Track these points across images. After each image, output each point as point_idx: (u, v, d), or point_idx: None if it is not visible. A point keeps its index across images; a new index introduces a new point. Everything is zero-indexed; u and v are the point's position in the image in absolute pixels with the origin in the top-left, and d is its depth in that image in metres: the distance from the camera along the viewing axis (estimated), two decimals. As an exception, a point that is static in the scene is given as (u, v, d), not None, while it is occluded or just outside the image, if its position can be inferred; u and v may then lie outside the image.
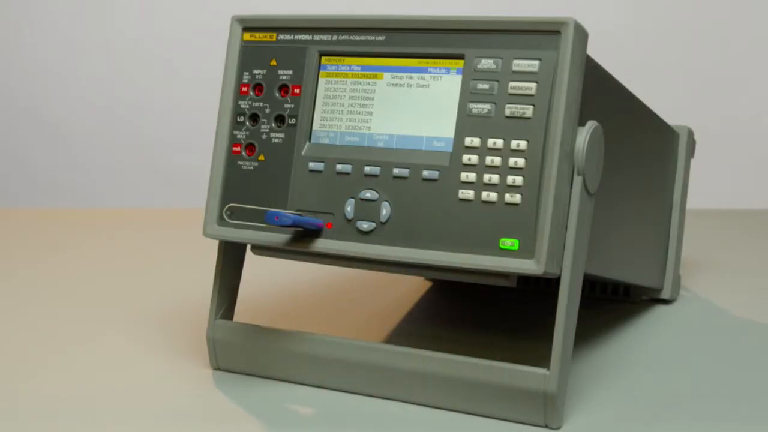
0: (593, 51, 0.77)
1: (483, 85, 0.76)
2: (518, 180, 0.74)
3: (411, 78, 0.79)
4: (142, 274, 1.28)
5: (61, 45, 2.51)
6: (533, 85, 0.74)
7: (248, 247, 0.86)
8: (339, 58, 0.81)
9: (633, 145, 0.93)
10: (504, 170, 0.74)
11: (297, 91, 0.82)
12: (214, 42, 1.73)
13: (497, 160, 0.75)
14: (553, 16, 0.74)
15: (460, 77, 0.77)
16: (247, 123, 0.83)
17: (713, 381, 0.87)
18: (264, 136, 0.82)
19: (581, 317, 0.78)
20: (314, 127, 0.81)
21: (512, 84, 0.75)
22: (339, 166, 0.79)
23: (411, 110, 0.78)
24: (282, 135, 0.82)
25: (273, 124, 0.82)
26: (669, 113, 1.12)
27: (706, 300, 1.14)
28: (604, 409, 0.80)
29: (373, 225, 0.78)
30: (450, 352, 0.79)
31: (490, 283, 0.76)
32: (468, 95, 0.76)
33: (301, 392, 0.83)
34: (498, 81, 0.75)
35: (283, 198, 0.81)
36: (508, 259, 0.74)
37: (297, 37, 0.82)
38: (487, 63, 0.76)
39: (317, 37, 0.82)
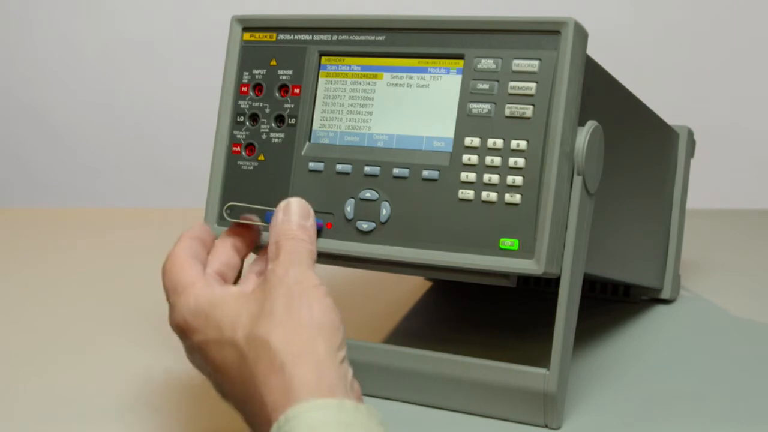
0: (593, 51, 0.77)
1: (483, 85, 0.76)
2: (518, 180, 0.74)
3: (411, 78, 0.79)
4: (142, 274, 1.28)
5: (61, 45, 2.51)
6: (533, 85, 0.74)
7: (248, 247, 0.86)
8: (339, 58, 0.81)
9: (633, 145, 0.93)
10: (504, 170, 0.74)
11: (297, 91, 0.82)
12: (214, 42, 1.73)
13: (497, 160, 0.74)
14: (553, 16, 0.74)
15: (460, 77, 0.77)
16: (247, 123, 0.83)
17: (713, 381, 0.87)
18: (264, 136, 0.82)
19: (581, 317, 0.78)
20: (314, 127, 0.81)
21: (512, 84, 0.75)
22: (339, 166, 0.79)
23: (411, 110, 0.78)
24: (282, 135, 0.82)
25: (273, 124, 0.82)
26: (669, 113, 1.12)
27: (706, 300, 1.14)
28: (604, 409, 0.80)
29: (373, 225, 0.78)
30: (450, 352, 0.79)
31: (490, 283, 0.76)
32: (468, 95, 0.76)
33: (301, 392, 0.82)
34: (498, 81, 0.75)
35: (283, 198, 0.81)
36: (508, 259, 0.74)
37: (297, 37, 0.82)
38: (487, 63, 0.76)
39: (317, 37, 0.81)
